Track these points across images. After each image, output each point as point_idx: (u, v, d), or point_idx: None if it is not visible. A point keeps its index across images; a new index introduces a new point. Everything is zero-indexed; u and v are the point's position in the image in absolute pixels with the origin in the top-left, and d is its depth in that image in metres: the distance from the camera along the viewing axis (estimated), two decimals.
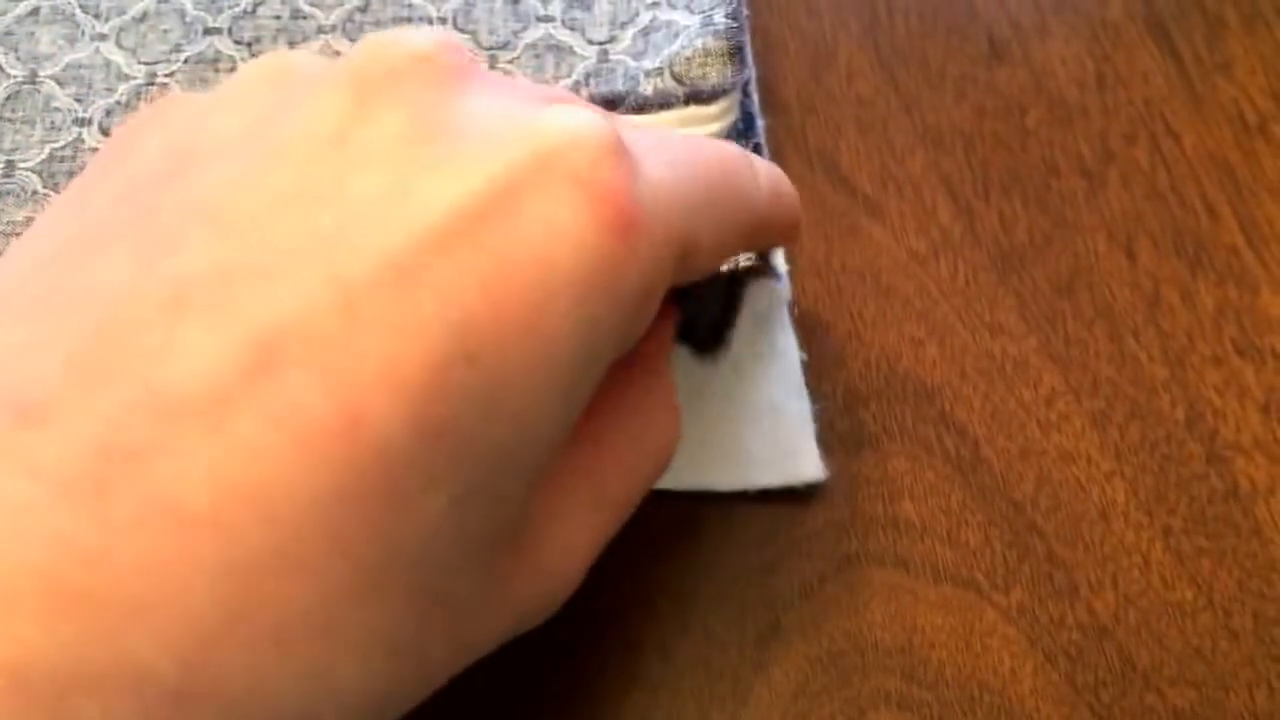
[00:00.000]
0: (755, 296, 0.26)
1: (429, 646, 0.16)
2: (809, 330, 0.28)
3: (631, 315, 0.17)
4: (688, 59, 0.28)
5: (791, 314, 0.27)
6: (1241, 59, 0.32)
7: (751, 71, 0.31)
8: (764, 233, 0.22)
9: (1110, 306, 0.28)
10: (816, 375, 0.27)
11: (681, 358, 0.26)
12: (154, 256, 0.15)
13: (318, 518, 0.14)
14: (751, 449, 0.26)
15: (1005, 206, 0.30)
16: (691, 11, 0.30)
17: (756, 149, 0.29)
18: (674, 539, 0.26)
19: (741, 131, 0.30)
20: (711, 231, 0.19)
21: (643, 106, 0.28)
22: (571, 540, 0.19)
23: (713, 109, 0.28)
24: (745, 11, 0.31)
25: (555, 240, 0.15)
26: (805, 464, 0.26)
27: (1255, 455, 0.26)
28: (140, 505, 0.13)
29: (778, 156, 0.31)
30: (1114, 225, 0.30)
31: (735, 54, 0.28)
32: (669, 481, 0.26)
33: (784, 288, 0.27)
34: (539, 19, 0.31)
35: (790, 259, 0.29)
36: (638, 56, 0.30)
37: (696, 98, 0.28)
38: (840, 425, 0.27)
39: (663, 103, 0.28)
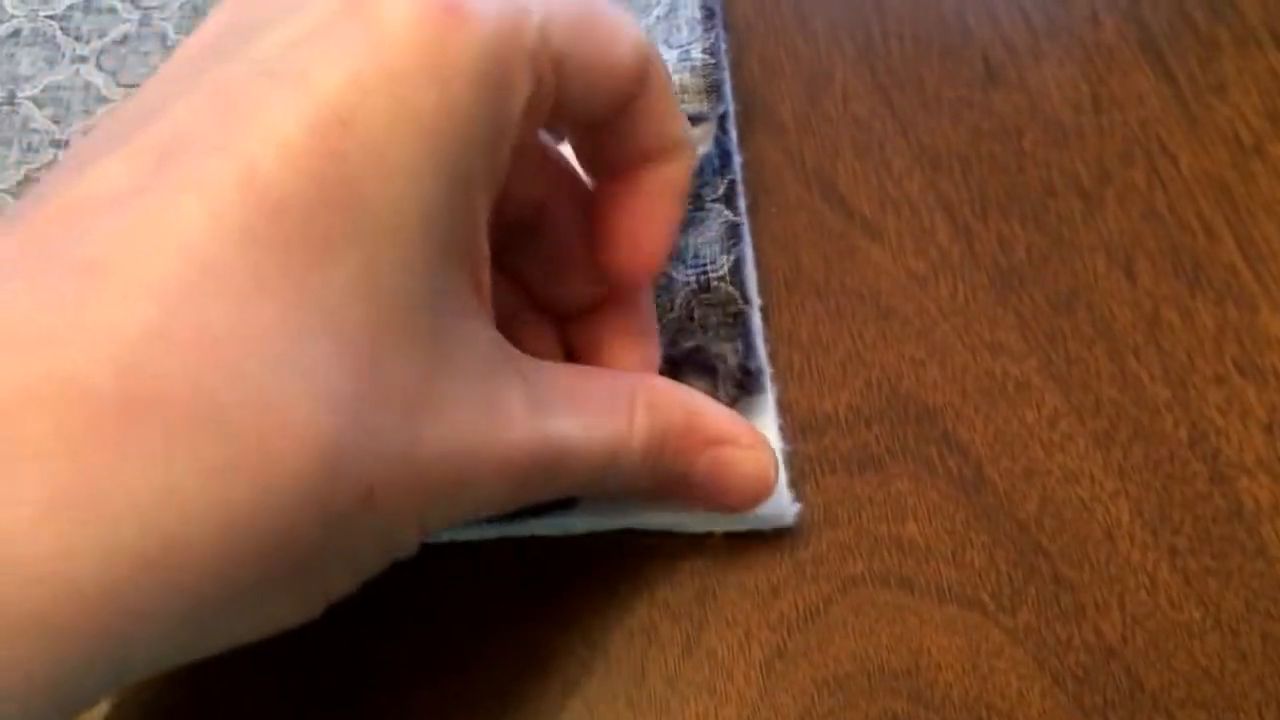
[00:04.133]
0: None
1: (372, 402, 0.18)
2: (809, 352, 0.29)
3: (484, 86, 0.19)
4: None
5: (767, 352, 0.29)
6: (1235, 79, 0.34)
7: (730, 107, 0.32)
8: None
9: (1110, 326, 0.30)
10: (818, 396, 0.29)
11: None
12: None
13: (232, 254, 0.16)
14: None
15: (1003, 227, 0.31)
16: (670, 46, 0.31)
17: (731, 185, 0.30)
18: (677, 562, 0.26)
19: (718, 169, 0.31)
20: (584, 49, 0.21)
21: None
22: (480, 426, 0.20)
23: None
24: (724, 47, 0.32)
25: (390, 22, 0.18)
26: (773, 508, 0.26)
27: (1259, 475, 0.28)
28: (63, 264, 0.16)
29: (775, 178, 0.32)
30: (1112, 245, 0.31)
31: (712, 91, 0.29)
32: (638, 521, 0.26)
33: (756, 330, 0.29)
34: None
35: (789, 280, 0.30)
36: None
37: None
38: (843, 446, 0.28)
39: None
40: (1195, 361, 0.29)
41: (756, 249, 0.31)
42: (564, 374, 0.23)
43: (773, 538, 0.27)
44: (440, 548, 0.26)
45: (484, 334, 0.21)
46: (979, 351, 0.29)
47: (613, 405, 0.23)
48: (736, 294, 0.28)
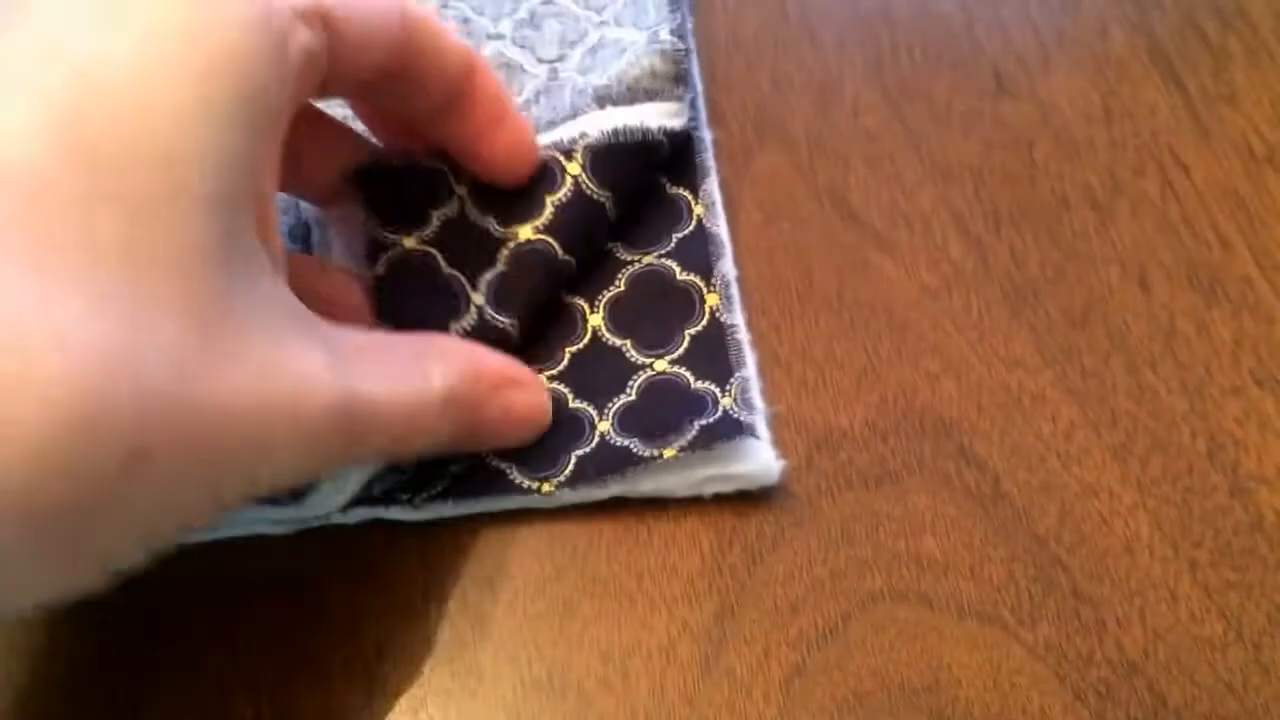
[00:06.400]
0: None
1: (138, 361, 0.17)
2: (823, 366, 0.29)
3: (249, 29, 0.19)
4: (635, 77, 0.30)
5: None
6: (1246, 90, 0.34)
7: (698, 89, 0.33)
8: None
9: (1126, 339, 0.30)
10: (833, 411, 0.29)
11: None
12: None
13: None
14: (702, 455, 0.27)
15: (1016, 240, 0.32)
16: (638, 28, 0.32)
17: (693, 169, 0.31)
18: (695, 580, 0.26)
19: (683, 155, 0.31)
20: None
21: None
22: (270, 385, 0.20)
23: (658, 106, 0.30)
24: (690, 26, 0.33)
25: None
26: (759, 465, 0.27)
27: (1279, 486, 0.28)
28: None
29: (786, 192, 0.32)
30: (1126, 257, 0.31)
31: (681, 78, 0.30)
32: (622, 489, 0.27)
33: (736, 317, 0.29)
34: (489, 37, 0.33)
35: (801, 294, 0.30)
36: (585, 72, 0.32)
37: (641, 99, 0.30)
38: (859, 461, 0.28)
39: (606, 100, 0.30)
40: (1212, 373, 0.29)
41: (768, 263, 0.31)
42: (360, 336, 0.23)
43: (790, 554, 0.27)
44: (443, 560, 0.26)
45: (275, 295, 0.21)
46: (994, 365, 0.29)
47: (410, 361, 0.24)
48: (687, 275, 0.29)
